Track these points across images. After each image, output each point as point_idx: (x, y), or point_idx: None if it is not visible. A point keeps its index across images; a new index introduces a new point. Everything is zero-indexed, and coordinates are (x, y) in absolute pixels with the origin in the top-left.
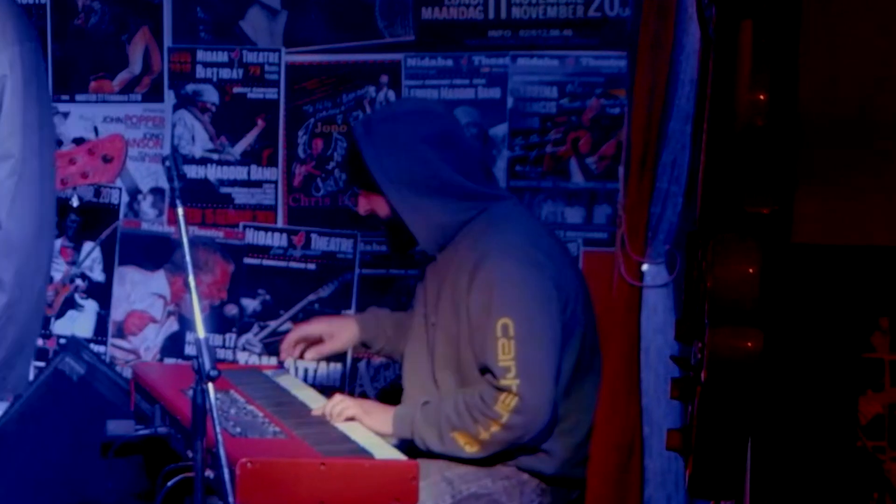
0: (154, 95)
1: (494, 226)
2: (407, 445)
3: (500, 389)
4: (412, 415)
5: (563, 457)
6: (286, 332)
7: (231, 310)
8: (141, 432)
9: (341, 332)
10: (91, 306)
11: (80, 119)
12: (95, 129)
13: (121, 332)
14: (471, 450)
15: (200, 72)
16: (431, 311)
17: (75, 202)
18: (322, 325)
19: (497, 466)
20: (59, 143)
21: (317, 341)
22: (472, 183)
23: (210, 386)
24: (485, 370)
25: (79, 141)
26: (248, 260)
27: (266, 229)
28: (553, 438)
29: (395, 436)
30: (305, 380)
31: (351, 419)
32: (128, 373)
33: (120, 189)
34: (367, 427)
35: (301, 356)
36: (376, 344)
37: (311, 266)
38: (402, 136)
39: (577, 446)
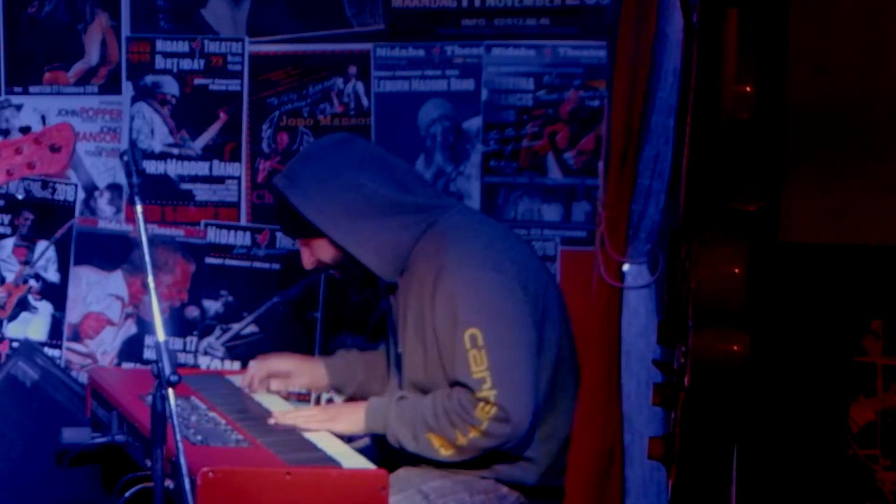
0: (111, 87)
1: (448, 236)
2: (379, 455)
3: (479, 399)
4: (386, 409)
5: (545, 464)
6: (249, 335)
7: (192, 312)
8: (98, 440)
9: (310, 373)
10: (45, 308)
11: (33, 112)
12: (43, 118)
13: (76, 336)
14: (445, 453)
15: (160, 62)
16: (398, 341)
17: (20, 196)
18: (289, 362)
19: (475, 479)
20: (7, 132)
21: (284, 375)
22: (412, 196)
23: (170, 392)
24: (458, 384)
25: (26, 130)
26: (209, 259)
27: (229, 227)
28: (534, 444)
29: (367, 430)
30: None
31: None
32: (84, 378)
33: (75, 185)
34: (338, 432)
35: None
36: (347, 389)
37: (276, 266)
38: (324, 170)
39: (558, 453)
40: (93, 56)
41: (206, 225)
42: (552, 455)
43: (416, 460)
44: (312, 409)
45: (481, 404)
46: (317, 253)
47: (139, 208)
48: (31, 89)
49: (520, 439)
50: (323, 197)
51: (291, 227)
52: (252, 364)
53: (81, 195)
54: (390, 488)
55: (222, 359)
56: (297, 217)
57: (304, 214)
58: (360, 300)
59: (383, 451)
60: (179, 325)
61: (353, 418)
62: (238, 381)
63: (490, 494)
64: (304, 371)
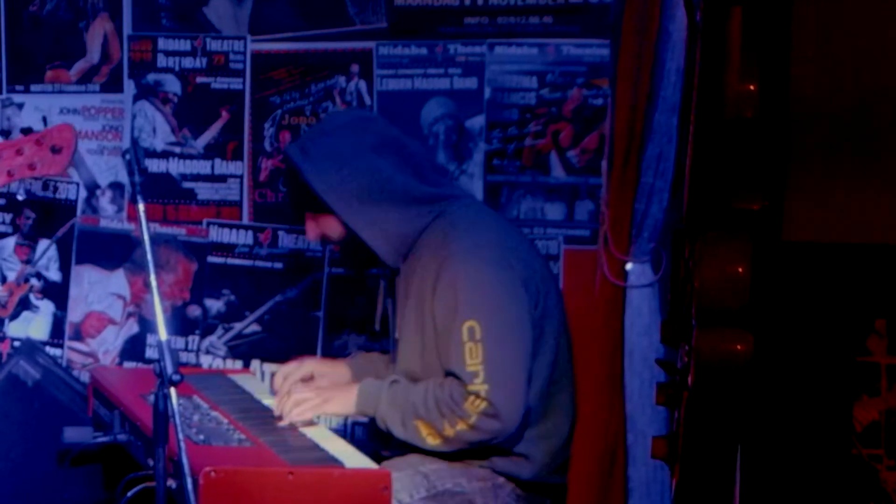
0: (113, 85)
1: (455, 227)
2: (376, 450)
3: (469, 392)
4: (378, 392)
5: (541, 462)
6: (251, 334)
7: (194, 311)
8: (99, 440)
9: (333, 373)
10: (47, 307)
11: (35, 111)
12: (44, 119)
13: (78, 335)
14: (432, 442)
15: (162, 61)
16: (396, 327)
17: (21, 196)
18: (313, 364)
19: (474, 467)
20: (9, 132)
21: (307, 378)
22: (425, 184)
23: (172, 391)
24: (451, 374)
25: (27, 132)
26: (211, 258)
27: (231, 226)
28: (532, 442)
29: (358, 412)
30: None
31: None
32: (85, 377)
33: (77, 184)
34: (330, 414)
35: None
36: None
37: (278, 265)
38: (342, 148)
39: (556, 451)
40: (94, 54)
41: (208, 224)
42: (550, 453)
43: (404, 448)
44: (305, 391)
45: (472, 398)
46: (323, 228)
47: (141, 207)
48: (33, 88)
49: (508, 436)
50: (338, 177)
51: (301, 200)
52: (278, 373)
53: (83, 194)
54: (390, 467)
55: (224, 358)
56: (309, 192)
57: (318, 191)
58: (364, 300)
59: (376, 433)
60: (181, 324)
61: (346, 400)
62: (240, 380)
63: (487, 482)
64: (327, 370)
